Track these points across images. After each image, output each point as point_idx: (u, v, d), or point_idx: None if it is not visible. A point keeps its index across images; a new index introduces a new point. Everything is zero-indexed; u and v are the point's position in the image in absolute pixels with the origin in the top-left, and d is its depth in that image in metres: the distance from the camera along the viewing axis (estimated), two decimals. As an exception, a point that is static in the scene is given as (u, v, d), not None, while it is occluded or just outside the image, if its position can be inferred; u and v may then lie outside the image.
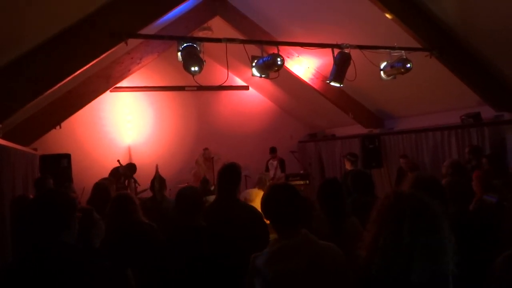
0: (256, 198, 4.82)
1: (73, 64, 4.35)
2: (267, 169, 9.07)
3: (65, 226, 1.87)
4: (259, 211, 2.94)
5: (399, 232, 1.42)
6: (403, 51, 5.44)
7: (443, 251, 1.40)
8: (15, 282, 1.72)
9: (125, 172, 7.54)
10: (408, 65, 5.34)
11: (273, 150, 9.12)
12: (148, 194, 5.27)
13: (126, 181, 7.47)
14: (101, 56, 4.57)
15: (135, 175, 7.85)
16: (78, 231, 2.23)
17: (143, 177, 7.41)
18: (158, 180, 4.82)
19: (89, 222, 2.68)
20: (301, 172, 9.19)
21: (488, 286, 1.65)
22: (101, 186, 4.26)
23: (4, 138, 4.72)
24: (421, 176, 2.30)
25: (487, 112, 6.12)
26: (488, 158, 4.99)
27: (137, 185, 7.66)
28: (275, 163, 9.07)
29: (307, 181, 8.47)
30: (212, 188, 6.96)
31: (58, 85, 4.54)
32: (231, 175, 3.00)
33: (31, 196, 4.28)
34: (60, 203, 1.87)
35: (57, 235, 1.85)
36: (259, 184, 5.37)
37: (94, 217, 2.82)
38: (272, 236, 3.23)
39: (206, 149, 8.88)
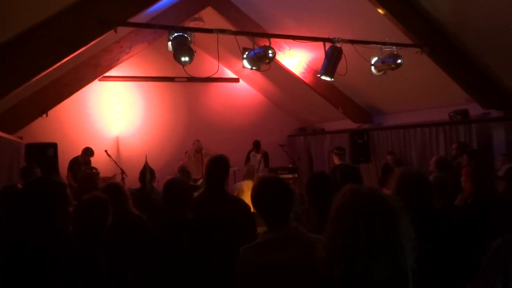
0: (247, 190, 4.82)
1: (60, 51, 4.26)
2: (248, 160, 8.84)
3: (56, 213, 1.84)
4: (246, 203, 2.94)
5: (356, 231, 1.38)
6: (394, 47, 5.46)
7: (401, 248, 1.37)
8: (8, 271, 1.69)
9: (85, 160, 7.44)
10: (399, 61, 5.36)
11: (257, 145, 8.94)
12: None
13: None
14: (89, 44, 4.49)
15: (123, 167, 7.79)
16: (96, 222, 2.21)
17: (132, 168, 7.35)
18: (149, 172, 4.79)
19: (107, 212, 2.53)
20: (290, 166, 9.21)
21: (483, 270, 1.65)
22: (87, 176, 4.20)
23: (-12, 125, 4.63)
24: (407, 172, 2.30)
25: (475, 110, 6.19)
26: (468, 155, 5.05)
27: (124, 175, 7.60)
28: (258, 156, 8.90)
29: (296, 175, 8.49)
30: (200, 182, 6.89)
31: (45, 72, 4.45)
32: (219, 167, 2.99)
33: (20, 186, 4.21)
34: (52, 190, 1.83)
35: (49, 222, 1.81)
36: (248, 176, 5.36)
37: (110, 207, 2.66)
38: (262, 228, 3.24)
39: (197, 141, 8.80)
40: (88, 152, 7.55)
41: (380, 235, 1.37)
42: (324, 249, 1.48)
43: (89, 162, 7.56)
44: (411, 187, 2.18)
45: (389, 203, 1.43)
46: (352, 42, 5.36)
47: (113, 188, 2.88)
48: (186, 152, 8.73)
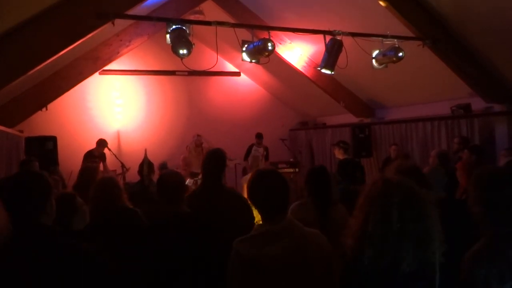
0: None
1: (57, 43, 4.23)
2: (248, 155, 8.56)
3: (41, 208, 1.81)
4: (243, 197, 2.92)
5: (387, 220, 1.40)
6: (395, 40, 5.39)
7: (431, 239, 1.40)
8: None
9: (99, 152, 7.38)
10: (400, 54, 5.29)
11: (260, 136, 8.67)
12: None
13: (101, 163, 7.27)
14: (87, 36, 4.45)
15: (124, 161, 7.77)
16: (58, 218, 2.17)
17: (132, 163, 7.32)
18: (147, 165, 4.76)
19: (70, 208, 2.61)
20: (291, 160, 9.17)
21: (459, 280, 1.65)
22: (88, 170, 4.18)
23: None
24: (402, 165, 2.29)
25: (477, 104, 6.14)
26: (469, 149, 5.01)
27: (125, 169, 7.58)
28: (261, 149, 8.63)
29: (297, 169, 8.46)
30: (200, 176, 6.85)
31: (42, 65, 4.42)
32: (216, 161, 2.97)
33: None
34: (36, 184, 1.80)
35: (35, 217, 1.79)
36: (252, 169, 5.32)
37: (77, 202, 2.73)
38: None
39: (198, 135, 8.74)
40: (102, 143, 7.44)
41: (410, 225, 1.39)
42: (352, 236, 1.49)
43: (104, 154, 7.48)
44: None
45: (419, 194, 1.46)
46: (353, 34, 5.29)
47: (106, 183, 2.85)
48: (187, 146, 8.70)
